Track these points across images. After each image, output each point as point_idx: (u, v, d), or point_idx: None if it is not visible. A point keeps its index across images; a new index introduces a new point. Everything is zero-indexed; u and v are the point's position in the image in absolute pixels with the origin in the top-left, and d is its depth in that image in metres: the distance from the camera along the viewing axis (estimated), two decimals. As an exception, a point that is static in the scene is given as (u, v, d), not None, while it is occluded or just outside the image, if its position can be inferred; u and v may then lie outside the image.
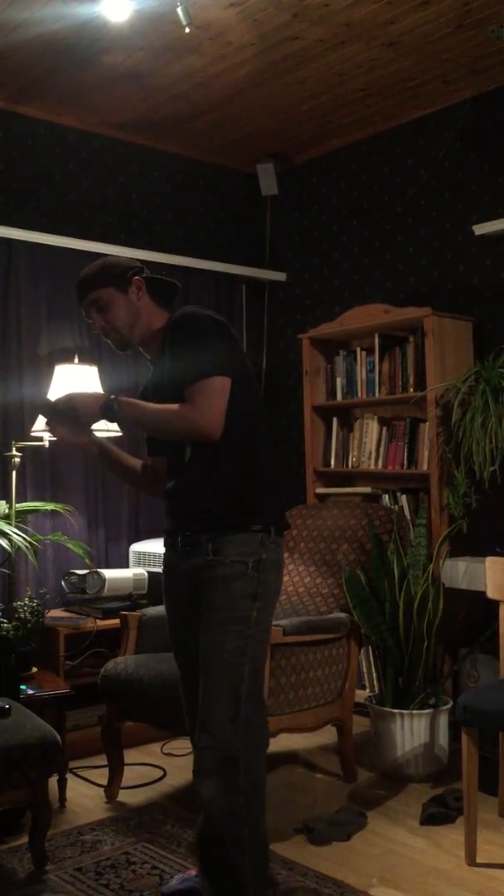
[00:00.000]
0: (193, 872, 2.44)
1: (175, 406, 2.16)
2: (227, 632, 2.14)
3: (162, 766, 3.45)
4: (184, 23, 3.13)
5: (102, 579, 3.75)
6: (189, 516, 2.26)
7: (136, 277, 2.34)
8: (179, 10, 3.10)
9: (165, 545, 2.38)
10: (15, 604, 3.50)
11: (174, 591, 2.35)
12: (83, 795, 3.19)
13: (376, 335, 4.15)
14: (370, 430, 4.23)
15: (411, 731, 3.29)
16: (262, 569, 2.19)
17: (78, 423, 2.19)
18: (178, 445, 2.27)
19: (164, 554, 2.40)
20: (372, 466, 4.20)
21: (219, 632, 2.14)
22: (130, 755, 3.41)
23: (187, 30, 3.17)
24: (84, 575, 3.83)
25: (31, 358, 4.02)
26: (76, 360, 3.79)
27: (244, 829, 2.10)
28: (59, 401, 2.19)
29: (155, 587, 3.76)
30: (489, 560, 3.03)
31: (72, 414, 2.16)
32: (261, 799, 2.18)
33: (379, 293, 4.40)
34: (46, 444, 3.64)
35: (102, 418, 2.17)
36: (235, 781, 2.09)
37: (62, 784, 3.11)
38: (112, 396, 2.16)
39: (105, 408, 2.14)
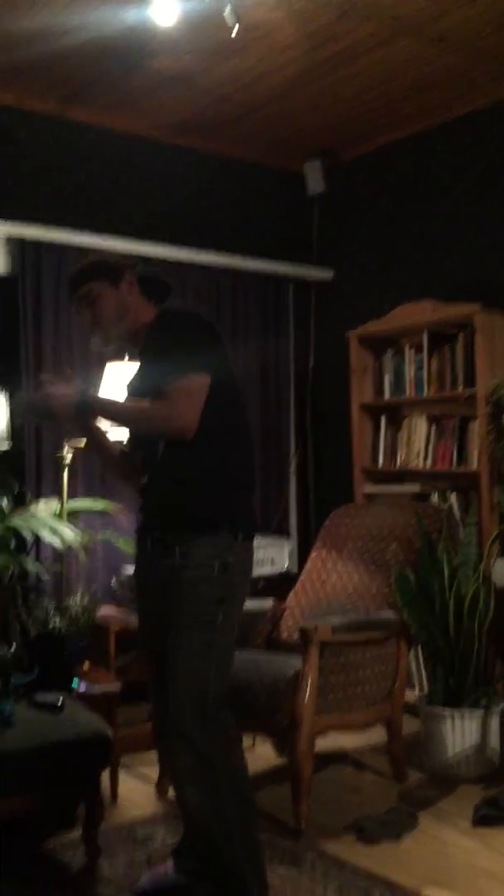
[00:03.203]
0: (163, 869, 2.47)
1: (149, 403, 2.18)
2: (192, 635, 2.16)
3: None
4: (230, 24, 3.14)
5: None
6: (158, 515, 2.28)
7: (129, 273, 2.35)
8: (226, 12, 3.11)
9: (136, 544, 2.40)
10: (67, 601, 3.56)
11: (145, 591, 2.36)
12: (134, 791, 3.23)
13: (425, 332, 4.12)
14: (419, 429, 4.20)
15: (462, 732, 3.26)
16: (228, 572, 2.19)
17: (54, 420, 2.21)
18: (152, 441, 2.28)
19: (136, 554, 2.41)
20: (420, 465, 4.17)
21: (185, 635, 2.16)
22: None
23: (234, 32, 3.18)
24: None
25: (84, 355, 4.07)
26: (126, 358, 3.83)
27: (234, 827, 2.14)
28: (35, 398, 2.22)
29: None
30: (541, 559, 2.99)
31: (48, 412, 2.18)
32: (246, 798, 2.22)
33: (427, 290, 4.36)
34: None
35: (78, 415, 2.20)
36: (216, 782, 2.12)
37: (114, 779, 3.14)
38: (85, 394, 2.18)
39: (80, 405, 2.16)
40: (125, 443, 2.54)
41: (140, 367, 2.40)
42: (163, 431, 2.20)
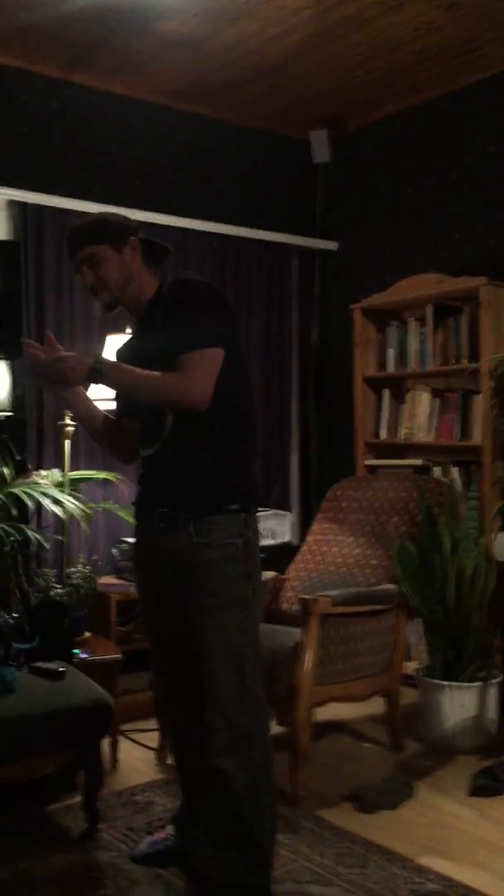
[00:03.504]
0: (163, 835, 2.50)
1: (164, 373, 2.11)
2: (227, 615, 2.14)
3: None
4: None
5: (153, 547, 3.79)
6: (168, 491, 2.20)
7: (132, 237, 2.29)
8: (234, -26, 3.05)
9: (138, 519, 2.34)
10: (68, 570, 3.56)
11: (149, 568, 2.29)
12: (134, 758, 3.26)
13: (429, 305, 4.09)
14: (422, 402, 4.19)
15: (461, 704, 3.28)
16: (250, 548, 2.19)
17: (61, 383, 2.15)
18: (157, 413, 2.21)
19: (136, 528, 2.36)
20: (423, 438, 4.16)
21: (219, 615, 2.13)
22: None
23: (242, -6, 3.12)
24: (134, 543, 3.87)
25: (86, 322, 4.04)
26: (128, 330, 3.81)
27: (263, 801, 2.16)
28: (47, 360, 2.13)
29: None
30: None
31: (56, 375, 2.11)
32: (272, 772, 2.25)
33: (433, 262, 4.33)
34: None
35: (88, 381, 2.14)
36: (252, 757, 2.13)
37: (114, 746, 3.18)
38: (99, 360, 2.13)
39: (92, 371, 2.10)
40: (113, 411, 2.46)
41: (142, 333, 2.35)
42: (176, 403, 2.14)
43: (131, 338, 2.44)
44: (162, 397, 2.14)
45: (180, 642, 2.17)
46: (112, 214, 2.35)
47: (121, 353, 2.40)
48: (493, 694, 3.34)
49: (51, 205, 3.92)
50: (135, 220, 2.37)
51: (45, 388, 2.37)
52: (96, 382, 2.15)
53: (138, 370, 2.13)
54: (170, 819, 2.55)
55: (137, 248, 2.29)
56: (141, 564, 2.36)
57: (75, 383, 2.17)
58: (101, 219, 2.32)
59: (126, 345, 2.44)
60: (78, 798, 2.79)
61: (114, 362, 2.16)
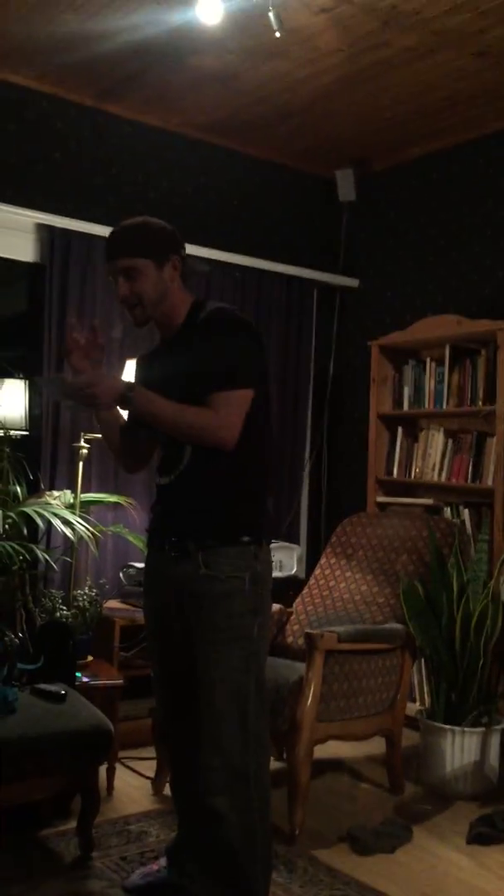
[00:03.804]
0: (156, 867, 2.45)
1: (195, 409, 2.08)
2: (231, 650, 2.09)
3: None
4: (274, 27, 3.14)
5: (160, 574, 3.79)
6: (179, 520, 2.19)
7: (176, 257, 2.22)
8: (271, 15, 3.11)
9: (150, 546, 2.32)
10: (75, 592, 3.56)
11: (157, 596, 2.27)
12: (130, 786, 3.23)
13: (448, 346, 4.11)
14: (435, 442, 4.19)
15: (461, 748, 3.25)
16: (258, 582, 2.15)
17: (91, 404, 2.10)
18: (177, 443, 2.19)
19: (148, 555, 2.35)
20: (435, 478, 4.16)
21: (223, 651, 2.09)
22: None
23: (277, 34, 3.18)
24: (142, 568, 3.87)
25: (106, 346, 4.06)
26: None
27: (259, 842, 2.11)
28: (78, 381, 2.07)
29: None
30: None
31: (88, 399, 2.05)
32: (269, 813, 2.19)
33: (452, 304, 4.36)
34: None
35: (118, 406, 2.12)
36: (248, 798, 2.08)
37: (111, 773, 3.15)
38: (131, 387, 2.07)
39: (123, 398, 2.06)
40: (125, 421, 2.40)
41: (168, 354, 2.29)
42: (202, 440, 2.11)
43: (155, 354, 2.38)
44: (189, 433, 2.11)
45: (182, 674, 2.15)
46: (160, 225, 2.24)
47: (142, 368, 2.37)
48: (495, 740, 3.30)
49: (78, 229, 3.97)
50: (180, 236, 2.28)
51: (71, 407, 2.40)
52: (124, 409, 2.14)
53: (169, 403, 2.08)
54: (164, 850, 2.52)
55: (179, 267, 2.23)
56: (149, 591, 2.34)
57: (105, 408, 2.16)
58: (149, 229, 2.22)
59: (147, 359, 2.39)
60: (72, 824, 2.76)
61: (145, 391, 2.09)
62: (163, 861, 2.47)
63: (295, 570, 4.33)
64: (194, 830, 2.19)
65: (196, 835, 2.16)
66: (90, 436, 3.71)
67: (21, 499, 3.50)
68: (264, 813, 2.14)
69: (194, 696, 2.11)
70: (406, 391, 4.33)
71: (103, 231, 3.99)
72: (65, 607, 3.44)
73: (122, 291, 2.19)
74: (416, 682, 3.96)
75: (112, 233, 2.24)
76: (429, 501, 4.18)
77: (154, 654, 2.36)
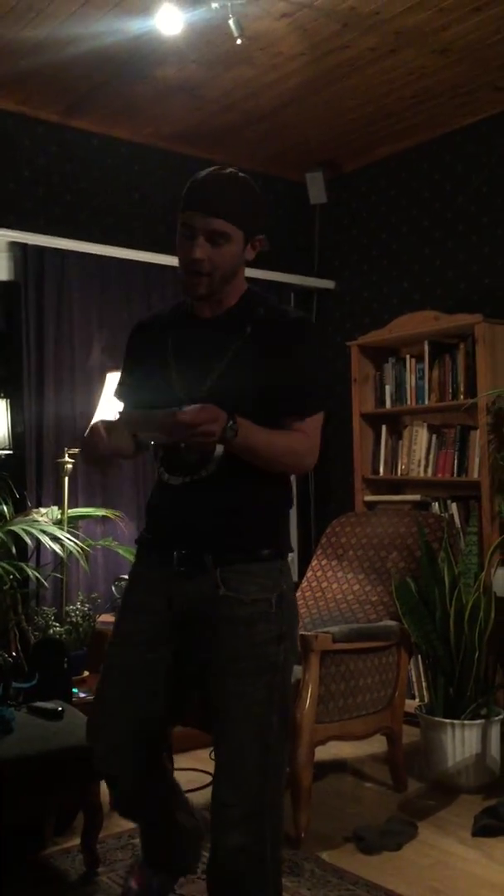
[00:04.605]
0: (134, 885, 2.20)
1: (282, 435, 1.83)
2: (253, 682, 1.83)
3: (210, 771, 3.46)
4: (235, 34, 3.16)
5: (152, 585, 3.78)
6: (199, 529, 1.86)
7: (262, 237, 1.93)
8: (231, 23, 3.14)
9: (143, 556, 1.98)
10: (67, 608, 3.55)
11: (146, 616, 1.92)
12: (133, 799, 3.21)
13: (426, 342, 4.13)
14: (419, 438, 4.21)
15: (462, 742, 3.25)
16: (284, 602, 1.88)
17: (203, 444, 1.72)
18: (172, 444, 1.87)
19: (136, 566, 2.01)
20: (421, 474, 4.17)
21: (245, 683, 1.83)
22: (179, 760, 3.43)
23: (239, 41, 3.20)
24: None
25: (83, 366, 4.08)
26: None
27: (269, 870, 1.92)
28: (191, 418, 1.65)
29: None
30: (542, 569, 2.99)
31: (205, 435, 1.68)
32: (282, 839, 2.00)
33: (429, 300, 4.38)
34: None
35: (218, 441, 1.74)
36: (262, 831, 1.89)
37: (113, 787, 3.13)
38: (233, 418, 1.71)
39: (227, 432, 1.71)
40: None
41: (206, 337, 1.92)
42: (294, 469, 1.89)
43: (183, 329, 1.96)
44: (276, 463, 1.84)
45: (158, 720, 1.93)
46: (260, 193, 1.94)
47: (157, 342, 1.98)
48: (495, 732, 3.31)
49: (51, 245, 3.97)
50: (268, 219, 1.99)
51: (152, 440, 1.84)
52: (222, 443, 1.75)
53: (262, 430, 1.78)
54: (142, 865, 2.25)
55: (258, 248, 1.94)
56: (136, 608, 1.95)
57: (205, 445, 1.74)
58: (255, 196, 1.90)
59: (164, 331, 1.98)
60: (76, 841, 2.75)
61: (245, 422, 1.74)
62: (149, 872, 2.22)
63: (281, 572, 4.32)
64: (191, 852, 2.10)
65: (210, 867, 1.96)
66: (74, 451, 3.71)
67: (8, 518, 3.49)
68: (277, 841, 1.94)
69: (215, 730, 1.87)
70: (388, 389, 4.35)
71: (76, 246, 4.02)
72: (58, 624, 3.42)
73: (198, 254, 1.82)
74: (413, 678, 3.97)
75: (212, 182, 1.87)
76: (416, 498, 4.19)
77: (129, 684, 1.94)
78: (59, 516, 3.61)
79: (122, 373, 2.11)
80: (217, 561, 1.83)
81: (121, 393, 2.11)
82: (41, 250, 3.97)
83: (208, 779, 3.35)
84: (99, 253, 4.09)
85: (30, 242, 3.94)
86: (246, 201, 1.87)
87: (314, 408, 1.87)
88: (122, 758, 2.00)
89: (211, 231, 1.82)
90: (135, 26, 3.33)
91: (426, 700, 3.63)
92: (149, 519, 1.99)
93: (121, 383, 2.11)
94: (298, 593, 3.70)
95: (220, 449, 1.80)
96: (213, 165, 1.98)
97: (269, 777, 1.88)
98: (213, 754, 1.93)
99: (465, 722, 3.26)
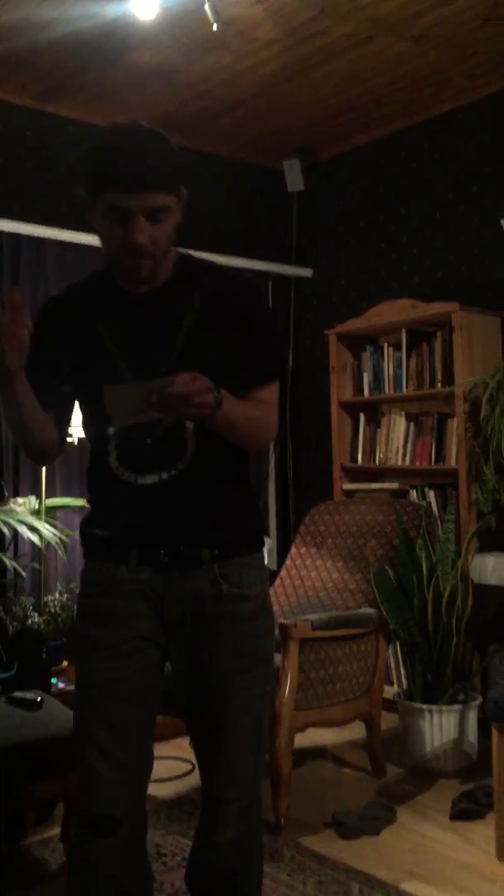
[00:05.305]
0: None
1: (251, 405, 1.69)
2: (254, 677, 1.75)
3: (191, 759, 3.47)
4: (211, 20, 3.14)
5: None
6: (190, 526, 1.69)
7: (185, 190, 1.65)
8: (207, 8, 3.11)
9: (119, 557, 1.71)
10: (45, 598, 3.54)
11: (134, 617, 1.70)
12: (113, 788, 3.22)
13: (403, 330, 4.14)
14: (397, 426, 4.22)
15: (440, 727, 3.28)
16: (267, 592, 1.83)
17: (199, 415, 1.56)
18: (174, 433, 1.66)
19: (102, 570, 1.73)
20: (399, 462, 4.19)
21: (247, 678, 1.74)
22: (160, 749, 3.42)
23: (215, 27, 3.18)
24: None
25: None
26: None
27: (256, 860, 1.88)
28: (183, 389, 1.47)
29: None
30: (519, 555, 3.01)
31: (201, 407, 1.52)
32: (262, 826, 1.95)
33: (406, 288, 4.39)
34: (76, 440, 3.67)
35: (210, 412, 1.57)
36: (252, 822, 1.84)
37: (93, 777, 3.13)
38: (218, 390, 1.55)
39: (216, 402, 1.55)
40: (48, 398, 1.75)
41: (151, 317, 1.70)
42: (259, 441, 1.77)
43: (119, 306, 1.71)
44: (256, 435, 1.73)
45: (142, 732, 1.73)
46: (172, 144, 1.62)
47: (84, 323, 1.72)
48: (472, 717, 3.34)
49: (26, 233, 3.93)
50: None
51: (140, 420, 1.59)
52: (209, 416, 1.60)
53: (238, 402, 1.63)
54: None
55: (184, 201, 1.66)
56: (116, 615, 1.70)
57: (199, 416, 1.57)
58: (172, 147, 1.61)
59: (92, 310, 1.73)
60: (56, 831, 2.75)
61: (226, 393, 1.59)
62: None
63: (266, 562, 4.33)
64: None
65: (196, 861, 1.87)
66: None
67: (-15, 508, 3.46)
68: (260, 829, 1.90)
69: (207, 731, 1.77)
70: (366, 377, 4.35)
71: (53, 234, 3.97)
72: (36, 614, 3.41)
73: (141, 239, 1.56)
74: (392, 664, 3.99)
75: (133, 148, 1.56)
76: (394, 486, 4.21)
77: (115, 713, 1.68)
78: (37, 506, 3.59)
79: (34, 371, 1.65)
80: (214, 556, 1.70)
81: (50, 395, 1.74)
82: (17, 237, 3.93)
83: (188, 767, 3.37)
84: (76, 241, 4.05)
85: (5, 230, 3.90)
86: (171, 158, 1.60)
87: (275, 376, 1.76)
88: (129, 788, 1.71)
89: (150, 209, 1.56)
90: (110, 10, 3.29)
91: (404, 686, 3.66)
92: (113, 520, 1.74)
93: (42, 382, 1.70)
94: (278, 581, 3.71)
95: (193, 441, 1.68)
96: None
97: (260, 768, 1.83)
98: (193, 744, 1.85)
99: (443, 707, 3.29)
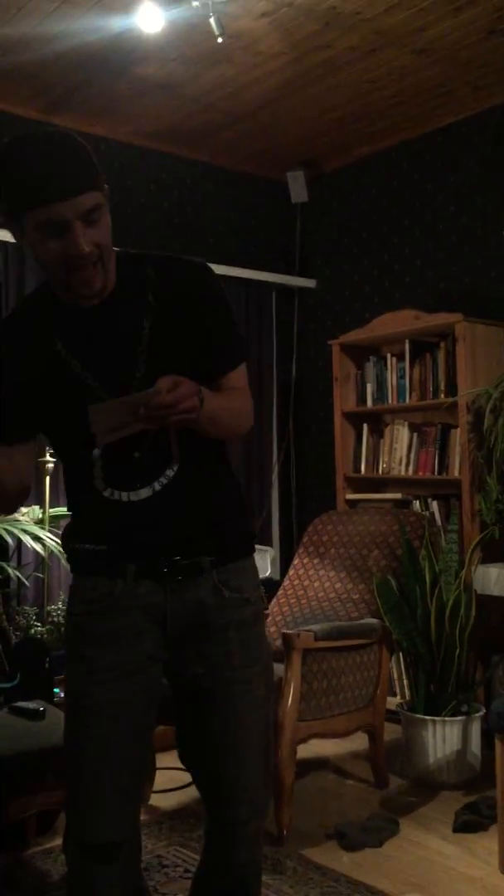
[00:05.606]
0: None
1: (232, 396, 1.66)
2: (258, 682, 1.70)
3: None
4: (216, 33, 3.16)
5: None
6: (185, 536, 1.63)
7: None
8: (212, 21, 3.14)
9: (122, 573, 1.62)
10: (48, 608, 3.54)
11: (134, 633, 1.63)
12: (115, 799, 3.21)
13: (407, 341, 4.14)
14: (401, 436, 4.23)
15: (443, 738, 3.27)
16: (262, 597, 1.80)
17: (185, 422, 1.52)
18: (157, 441, 1.58)
19: (97, 585, 1.64)
20: (402, 472, 4.19)
21: (256, 687, 1.69)
22: (162, 759, 3.43)
23: (220, 40, 3.20)
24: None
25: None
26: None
27: (260, 872, 1.84)
28: (168, 397, 1.44)
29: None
30: (522, 566, 3.01)
31: (187, 412, 1.48)
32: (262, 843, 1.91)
33: (409, 299, 4.40)
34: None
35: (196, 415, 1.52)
36: (260, 837, 1.80)
37: (95, 787, 3.12)
38: (200, 389, 1.52)
39: (202, 402, 1.51)
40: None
41: (112, 322, 1.60)
42: (238, 432, 1.73)
43: (78, 320, 1.60)
44: (235, 426, 1.69)
45: (136, 757, 1.67)
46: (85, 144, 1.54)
47: (43, 340, 1.60)
48: (475, 728, 3.33)
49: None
50: None
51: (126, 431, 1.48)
52: (195, 417, 1.54)
53: (216, 394, 1.59)
54: None
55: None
56: (115, 632, 1.63)
57: (185, 422, 1.51)
58: (82, 143, 1.52)
59: (46, 332, 1.61)
60: (58, 841, 2.74)
61: (207, 391, 1.55)
62: None
63: (269, 572, 4.34)
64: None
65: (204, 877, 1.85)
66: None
67: (-11, 517, 3.47)
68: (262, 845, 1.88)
69: (211, 751, 1.70)
70: (369, 388, 4.36)
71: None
72: (39, 623, 3.41)
73: (85, 246, 1.47)
74: (395, 675, 3.99)
75: (46, 156, 1.46)
76: (397, 496, 4.21)
77: (114, 725, 1.61)
78: (41, 515, 3.60)
79: None
80: (214, 563, 1.65)
81: (19, 430, 1.63)
82: (22, 249, 3.95)
83: (189, 777, 3.35)
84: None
85: (10, 241, 3.92)
86: (84, 154, 1.51)
87: (242, 354, 1.71)
88: (128, 813, 1.66)
89: (83, 212, 1.47)
90: (115, 24, 3.32)
91: (407, 697, 3.65)
92: (105, 535, 1.65)
93: (8, 417, 1.61)
94: (280, 591, 3.71)
95: (176, 449, 1.61)
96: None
97: (269, 783, 1.79)
98: (190, 761, 1.76)
99: (446, 719, 3.28)
